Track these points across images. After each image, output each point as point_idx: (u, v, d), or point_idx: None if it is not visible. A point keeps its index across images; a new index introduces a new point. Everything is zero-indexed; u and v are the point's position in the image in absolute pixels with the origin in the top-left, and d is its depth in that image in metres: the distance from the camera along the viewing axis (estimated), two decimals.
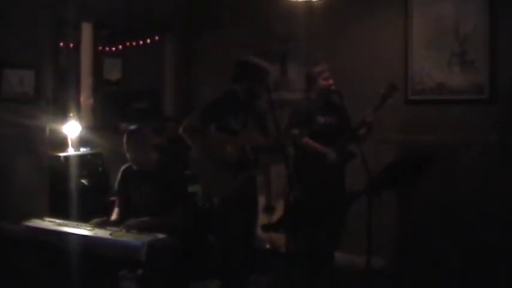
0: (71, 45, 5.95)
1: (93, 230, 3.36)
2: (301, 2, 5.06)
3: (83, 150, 5.27)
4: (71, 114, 5.30)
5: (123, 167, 3.86)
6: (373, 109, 3.95)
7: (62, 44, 5.87)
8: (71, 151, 5.12)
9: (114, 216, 3.78)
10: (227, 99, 3.69)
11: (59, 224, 3.48)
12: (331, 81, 4.14)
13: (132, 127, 3.79)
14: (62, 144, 5.12)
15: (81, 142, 5.29)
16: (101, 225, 3.49)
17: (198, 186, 4.20)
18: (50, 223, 3.50)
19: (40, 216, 3.67)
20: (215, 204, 3.70)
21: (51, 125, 4.99)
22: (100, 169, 5.25)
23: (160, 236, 3.24)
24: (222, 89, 3.80)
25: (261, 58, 3.74)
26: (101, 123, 5.97)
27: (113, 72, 6.99)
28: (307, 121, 4.11)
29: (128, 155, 3.71)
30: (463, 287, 4.14)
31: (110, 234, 3.26)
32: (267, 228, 4.65)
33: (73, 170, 4.94)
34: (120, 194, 3.83)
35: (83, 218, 3.71)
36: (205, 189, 3.86)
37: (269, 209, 4.75)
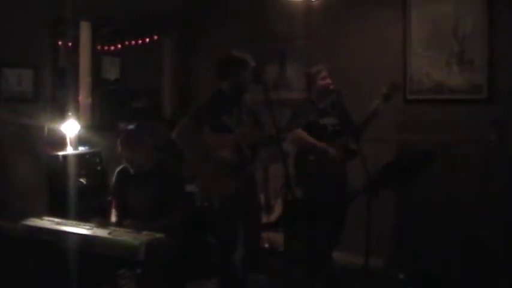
0: (70, 44, 5.96)
1: (92, 229, 3.36)
2: (300, 1, 5.07)
3: (81, 149, 5.28)
4: (70, 113, 5.31)
5: (118, 169, 3.81)
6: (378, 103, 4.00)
7: (60, 43, 5.88)
8: (69, 150, 5.13)
9: (113, 219, 3.76)
10: (216, 99, 3.68)
11: (58, 223, 3.45)
12: (329, 81, 4.14)
13: (131, 126, 3.75)
14: (61, 143, 5.12)
15: (80, 141, 5.30)
16: (105, 225, 3.47)
17: (195, 186, 4.19)
18: (48, 222, 3.48)
19: (39, 215, 3.65)
20: (214, 204, 3.68)
21: (49, 124, 4.99)
22: (98, 168, 5.26)
23: (159, 235, 3.23)
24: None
25: (252, 55, 3.72)
26: (100, 122, 5.98)
27: (112, 71, 7.00)
28: (307, 123, 4.12)
29: (121, 155, 3.68)
30: (462, 287, 4.13)
31: (109, 234, 3.25)
32: (265, 227, 4.65)
33: (71, 169, 4.95)
34: (117, 196, 3.81)
35: (82, 216, 3.69)
36: (204, 189, 3.84)
37: (267, 208, 4.75)
